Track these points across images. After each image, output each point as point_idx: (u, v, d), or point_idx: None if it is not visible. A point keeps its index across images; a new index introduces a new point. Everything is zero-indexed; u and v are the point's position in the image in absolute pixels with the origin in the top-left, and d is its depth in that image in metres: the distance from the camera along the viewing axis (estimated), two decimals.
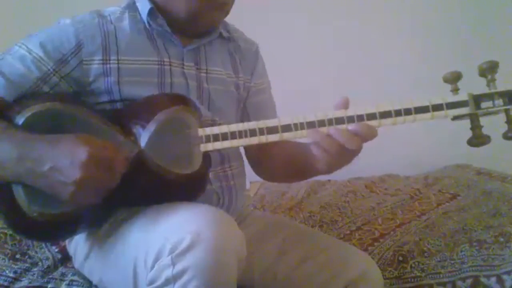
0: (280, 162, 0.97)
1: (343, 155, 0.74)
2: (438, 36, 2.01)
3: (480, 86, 0.77)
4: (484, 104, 0.76)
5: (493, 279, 1.00)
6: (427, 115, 0.76)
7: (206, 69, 0.94)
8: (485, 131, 0.77)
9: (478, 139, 0.77)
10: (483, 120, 0.78)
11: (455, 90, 0.77)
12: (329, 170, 0.77)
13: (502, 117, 0.77)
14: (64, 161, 0.67)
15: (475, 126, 0.77)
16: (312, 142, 0.75)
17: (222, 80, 0.96)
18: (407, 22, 2.04)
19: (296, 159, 0.91)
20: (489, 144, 0.76)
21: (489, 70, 0.76)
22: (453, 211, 1.35)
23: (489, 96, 0.75)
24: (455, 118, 0.78)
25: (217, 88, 0.94)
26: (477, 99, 0.76)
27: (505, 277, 0.99)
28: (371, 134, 0.73)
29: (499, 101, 0.75)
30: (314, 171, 0.83)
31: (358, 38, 2.01)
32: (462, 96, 0.76)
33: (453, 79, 0.77)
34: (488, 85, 0.76)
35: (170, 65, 0.88)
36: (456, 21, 2.02)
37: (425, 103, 0.76)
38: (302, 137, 0.77)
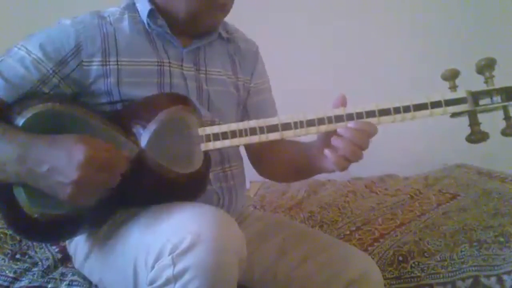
0: (282, 161, 0.97)
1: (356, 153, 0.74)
2: (438, 35, 2.01)
3: (480, 86, 0.77)
4: (482, 101, 0.76)
5: (493, 279, 1.00)
6: (426, 112, 0.76)
7: (206, 70, 0.94)
8: (484, 129, 0.77)
9: (476, 136, 0.77)
10: (481, 118, 0.78)
11: (453, 88, 0.78)
12: (339, 169, 0.77)
13: (501, 114, 0.77)
14: (62, 161, 0.67)
15: (474, 123, 0.77)
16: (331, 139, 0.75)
17: (221, 81, 0.96)
18: (407, 22, 2.04)
19: (298, 158, 0.91)
20: (488, 141, 0.77)
21: (486, 67, 0.76)
22: (453, 211, 1.35)
23: (487, 93, 0.76)
24: (454, 115, 0.79)
25: (216, 89, 0.94)
26: (476, 96, 0.76)
27: (505, 277, 0.99)
28: (373, 131, 0.74)
29: (497, 98, 0.75)
30: (318, 170, 0.83)
31: (358, 38, 2.01)
32: (460, 93, 0.77)
33: (451, 76, 0.78)
34: (486, 82, 0.77)
35: (169, 66, 0.88)
36: (455, 21, 2.02)
37: (424, 100, 0.76)
38: (302, 135, 0.78)
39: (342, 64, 1.97)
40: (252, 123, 0.78)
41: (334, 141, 0.75)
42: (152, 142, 0.77)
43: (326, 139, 0.79)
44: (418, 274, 1.04)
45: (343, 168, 0.75)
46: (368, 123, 0.75)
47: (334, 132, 0.77)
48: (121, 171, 0.71)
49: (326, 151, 0.76)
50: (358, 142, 0.74)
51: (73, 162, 0.67)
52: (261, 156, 1.02)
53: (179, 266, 0.64)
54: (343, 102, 0.77)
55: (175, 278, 0.64)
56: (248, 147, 1.03)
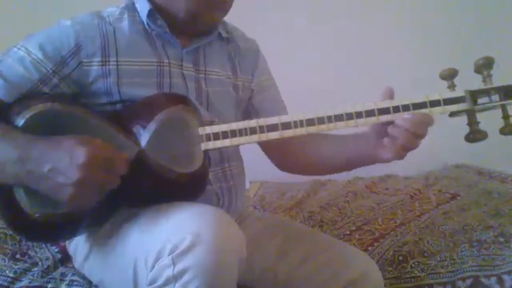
0: (321, 155, 0.96)
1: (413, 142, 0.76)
2: (438, 36, 2.01)
3: (479, 85, 0.77)
4: (480, 100, 0.77)
5: (493, 279, 1.00)
6: (425, 111, 0.77)
7: (205, 71, 0.94)
8: (483, 128, 0.77)
9: (475, 135, 0.77)
10: (480, 117, 0.78)
11: (452, 87, 0.78)
12: (397, 158, 0.78)
13: (500, 113, 0.77)
14: (64, 162, 0.67)
15: (472, 122, 0.78)
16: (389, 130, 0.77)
17: (221, 81, 0.96)
18: (407, 22, 2.04)
19: (344, 150, 0.91)
20: (487, 141, 0.77)
21: (484, 66, 0.76)
22: (453, 211, 1.35)
23: (486, 92, 0.76)
24: (453, 114, 0.79)
25: (215, 90, 0.94)
26: (474, 95, 0.77)
27: (505, 277, 0.99)
28: (430, 121, 0.76)
29: (495, 97, 0.76)
30: (371, 160, 0.84)
31: (358, 38, 2.01)
32: (459, 92, 0.77)
33: (449, 76, 0.78)
34: (484, 81, 0.77)
35: (169, 66, 0.88)
36: (455, 21, 2.03)
37: (423, 99, 0.76)
38: (302, 133, 0.78)
39: (342, 64, 1.97)
40: (252, 122, 0.78)
41: (392, 130, 0.76)
42: (152, 142, 0.77)
43: (380, 130, 0.80)
44: (418, 274, 1.04)
45: (401, 157, 0.77)
46: (425, 115, 0.76)
47: (390, 123, 0.77)
48: (122, 173, 0.71)
49: (386, 140, 0.77)
50: (415, 131, 0.75)
51: (74, 163, 0.67)
52: (290, 152, 1.00)
53: (179, 266, 0.64)
54: (391, 95, 0.78)
55: (175, 278, 0.64)
56: (267, 148, 1.03)
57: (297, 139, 0.94)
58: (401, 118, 0.76)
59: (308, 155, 0.98)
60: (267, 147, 1.04)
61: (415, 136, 0.75)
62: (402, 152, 0.77)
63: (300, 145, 0.98)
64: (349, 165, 0.94)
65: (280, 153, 1.03)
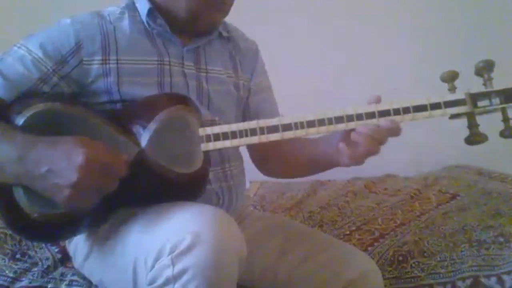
0: (296, 159, 0.97)
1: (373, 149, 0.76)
2: (438, 36, 2.01)
3: (480, 87, 0.77)
4: (481, 103, 0.77)
5: (493, 279, 1.00)
6: (425, 113, 0.77)
7: (206, 69, 0.94)
8: (486, 130, 0.77)
9: (475, 138, 0.78)
10: (480, 119, 0.78)
11: (452, 89, 0.78)
12: (354, 164, 0.78)
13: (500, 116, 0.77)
14: (61, 163, 0.67)
15: (472, 125, 0.78)
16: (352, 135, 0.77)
17: (221, 79, 0.96)
18: (407, 22, 2.04)
19: (316, 154, 0.91)
20: (488, 142, 0.77)
21: (485, 69, 0.76)
22: (453, 211, 1.35)
23: (486, 95, 0.76)
24: (453, 116, 0.79)
25: (216, 88, 0.94)
26: (474, 98, 0.77)
27: (505, 277, 0.99)
28: (396, 130, 0.75)
29: (495, 100, 0.76)
30: (335, 164, 0.84)
31: (358, 38, 2.01)
32: (459, 94, 0.77)
33: (450, 78, 0.78)
34: (485, 84, 0.77)
35: (169, 64, 0.88)
36: (455, 21, 2.02)
37: (423, 101, 0.77)
38: (302, 135, 0.78)
39: (342, 64, 1.97)
40: (253, 123, 0.78)
41: (354, 136, 0.76)
42: (152, 142, 0.77)
43: (345, 134, 0.80)
44: (418, 274, 1.04)
45: (359, 163, 0.77)
46: (394, 122, 0.76)
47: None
48: (121, 176, 0.71)
49: (341, 146, 0.77)
50: (377, 137, 0.75)
51: (72, 165, 0.66)
52: (267, 158, 1.01)
53: (179, 266, 0.64)
54: (377, 100, 0.78)
55: (175, 278, 0.64)
56: (252, 147, 1.03)
57: (289, 141, 0.94)
58: (364, 125, 0.76)
59: (298, 156, 0.98)
60: (256, 150, 1.04)
61: (376, 141, 0.75)
62: (361, 158, 0.76)
63: (293, 147, 0.98)
64: (317, 168, 0.95)
65: (263, 157, 1.03)
